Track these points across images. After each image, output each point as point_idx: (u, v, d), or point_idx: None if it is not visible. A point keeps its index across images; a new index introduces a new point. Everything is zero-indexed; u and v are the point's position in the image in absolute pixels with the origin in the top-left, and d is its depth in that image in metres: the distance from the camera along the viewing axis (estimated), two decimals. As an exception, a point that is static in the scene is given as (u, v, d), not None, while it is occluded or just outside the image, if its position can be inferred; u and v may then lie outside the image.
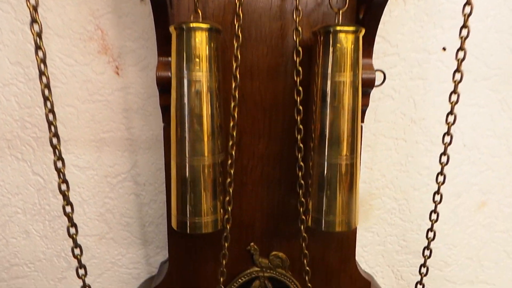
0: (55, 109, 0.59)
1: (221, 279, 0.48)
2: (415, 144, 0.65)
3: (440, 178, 0.53)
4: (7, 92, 0.59)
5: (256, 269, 0.57)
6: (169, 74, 0.48)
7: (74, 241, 0.42)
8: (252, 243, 0.56)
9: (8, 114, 0.59)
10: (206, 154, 0.45)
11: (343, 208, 0.49)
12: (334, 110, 0.47)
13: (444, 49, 0.63)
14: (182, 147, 0.45)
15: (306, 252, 0.51)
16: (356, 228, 0.57)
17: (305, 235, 0.50)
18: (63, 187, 0.42)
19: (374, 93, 0.62)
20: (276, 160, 0.55)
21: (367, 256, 0.70)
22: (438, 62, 0.63)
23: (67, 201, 0.42)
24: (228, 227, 0.47)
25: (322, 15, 0.52)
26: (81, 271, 0.42)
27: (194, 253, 0.56)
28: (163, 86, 0.49)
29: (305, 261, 0.51)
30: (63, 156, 0.61)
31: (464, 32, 0.48)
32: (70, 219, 0.42)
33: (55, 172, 0.61)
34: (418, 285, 0.56)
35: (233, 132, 0.46)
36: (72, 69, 0.58)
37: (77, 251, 0.42)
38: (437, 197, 0.53)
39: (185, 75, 0.44)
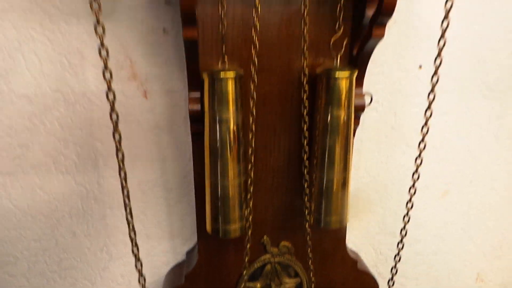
0: (95, 129, 0.69)
1: (244, 272, 0.62)
2: (393, 147, 0.79)
3: (415, 176, 0.64)
4: (50, 116, 0.67)
5: (268, 256, 0.71)
6: (199, 107, 0.59)
7: (133, 241, 0.53)
8: (265, 236, 0.70)
9: (52, 135, 0.68)
10: (233, 176, 0.57)
11: (338, 210, 0.62)
12: (332, 138, 0.59)
13: (420, 67, 0.75)
14: (215, 170, 0.57)
15: (310, 242, 0.65)
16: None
17: (309, 229, 0.64)
18: (126, 201, 0.51)
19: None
20: (284, 172, 0.67)
21: (354, 238, 0.85)
22: (415, 78, 0.75)
23: (129, 209, 0.52)
24: (249, 233, 0.59)
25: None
26: (139, 266, 0.54)
27: (219, 248, 0.69)
28: (194, 117, 0.60)
29: (308, 249, 0.66)
30: (103, 168, 0.71)
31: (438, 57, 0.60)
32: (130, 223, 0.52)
33: (96, 182, 0.72)
34: (396, 257, 0.70)
35: (251, 157, 0.57)
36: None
37: (135, 250, 0.53)
38: (412, 190, 0.64)
39: (217, 115, 0.55)
